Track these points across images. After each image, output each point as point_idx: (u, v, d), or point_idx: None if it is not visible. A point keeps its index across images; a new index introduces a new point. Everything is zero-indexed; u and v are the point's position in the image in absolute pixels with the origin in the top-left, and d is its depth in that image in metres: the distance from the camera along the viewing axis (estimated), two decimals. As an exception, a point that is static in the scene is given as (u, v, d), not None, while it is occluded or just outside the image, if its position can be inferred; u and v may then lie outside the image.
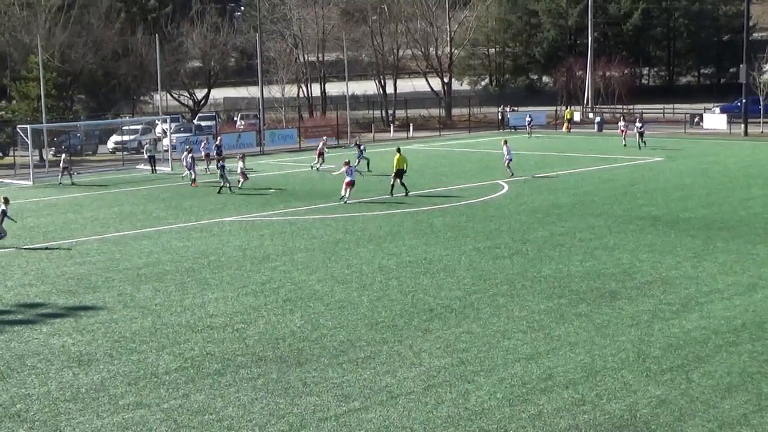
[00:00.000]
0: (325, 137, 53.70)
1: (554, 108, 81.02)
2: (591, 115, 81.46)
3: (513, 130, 73.33)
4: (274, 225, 31.12)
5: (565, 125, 72.09)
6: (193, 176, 42.95)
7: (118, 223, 32.90)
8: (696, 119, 73.69)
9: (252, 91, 79.91)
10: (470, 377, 15.16)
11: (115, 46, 76.50)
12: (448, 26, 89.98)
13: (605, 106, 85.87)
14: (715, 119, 72.37)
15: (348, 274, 23.06)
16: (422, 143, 62.88)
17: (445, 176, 43.36)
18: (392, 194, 36.45)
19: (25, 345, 17.74)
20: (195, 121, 74.47)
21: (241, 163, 40.88)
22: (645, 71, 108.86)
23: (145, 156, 51.62)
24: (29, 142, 48.43)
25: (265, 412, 13.94)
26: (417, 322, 18.47)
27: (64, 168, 46.15)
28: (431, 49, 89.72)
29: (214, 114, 77.65)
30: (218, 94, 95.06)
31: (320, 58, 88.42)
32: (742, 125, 65.63)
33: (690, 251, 24.55)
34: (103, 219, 33.91)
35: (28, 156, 48.94)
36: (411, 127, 74.66)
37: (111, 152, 64.95)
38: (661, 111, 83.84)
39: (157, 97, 77.45)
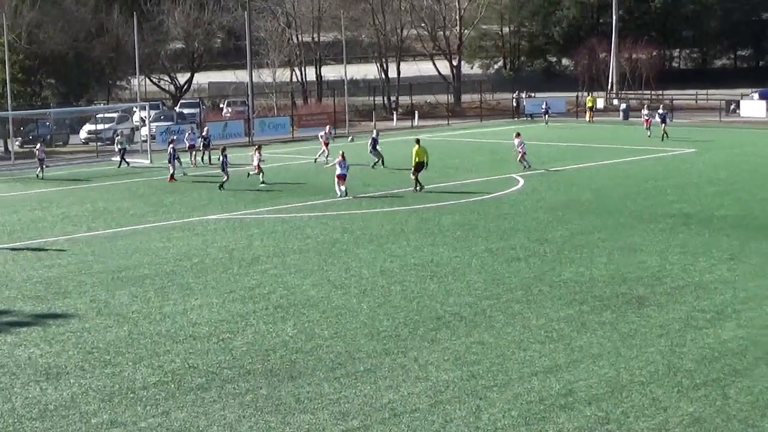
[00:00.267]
0: (329, 126, 53.51)
1: (575, 94, 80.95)
2: (615, 102, 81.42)
3: (529, 119, 73.29)
4: (265, 223, 31.09)
5: (587, 113, 72.05)
6: (171, 171, 42.88)
7: (91, 221, 32.87)
8: (732, 106, 73.60)
9: (240, 76, 79.95)
10: (482, 393, 15.12)
11: (89, 26, 76.44)
12: (457, 3, 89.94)
13: (631, 92, 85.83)
14: (753, 106, 72.28)
15: (346, 278, 23.03)
16: (428, 133, 62.84)
17: (454, 169, 43.35)
18: (417, 189, 36.36)
19: (-13, 357, 17.74)
20: (177, 109, 74.49)
21: (257, 155, 40.44)
22: (675, 53, 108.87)
23: (116, 148, 51.33)
24: (-7, 131, 48.48)
25: (253, 432, 13.93)
26: (423, 332, 18.44)
27: (41, 160, 46.11)
28: (438, 28, 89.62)
29: (197, 101, 77.65)
30: (202, 78, 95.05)
31: (315, 39, 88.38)
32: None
33: (726, 253, 24.50)
34: (75, 217, 33.88)
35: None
36: (416, 115, 74.59)
37: (84, 143, 64.94)
38: (694, 97, 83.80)
39: (134, 81, 77.34)
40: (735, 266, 23.06)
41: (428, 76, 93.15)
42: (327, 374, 16.18)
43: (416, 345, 17.64)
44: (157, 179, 43.85)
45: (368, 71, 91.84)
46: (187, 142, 49.54)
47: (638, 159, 45.90)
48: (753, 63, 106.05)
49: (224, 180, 38.84)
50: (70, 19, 74.34)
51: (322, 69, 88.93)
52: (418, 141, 38.27)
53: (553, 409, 14.36)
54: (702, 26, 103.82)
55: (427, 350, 17.31)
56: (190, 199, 37.02)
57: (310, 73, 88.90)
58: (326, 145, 47.64)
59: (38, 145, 47.79)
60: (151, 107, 62.45)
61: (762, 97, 74.47)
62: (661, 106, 58.12)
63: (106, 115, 66.66)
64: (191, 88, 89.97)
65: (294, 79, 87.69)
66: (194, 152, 49.16)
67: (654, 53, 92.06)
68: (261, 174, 39.92)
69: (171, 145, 43.76)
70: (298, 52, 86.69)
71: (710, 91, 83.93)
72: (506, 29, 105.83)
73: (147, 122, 57.60)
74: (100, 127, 63.31)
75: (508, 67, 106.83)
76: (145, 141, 54.95)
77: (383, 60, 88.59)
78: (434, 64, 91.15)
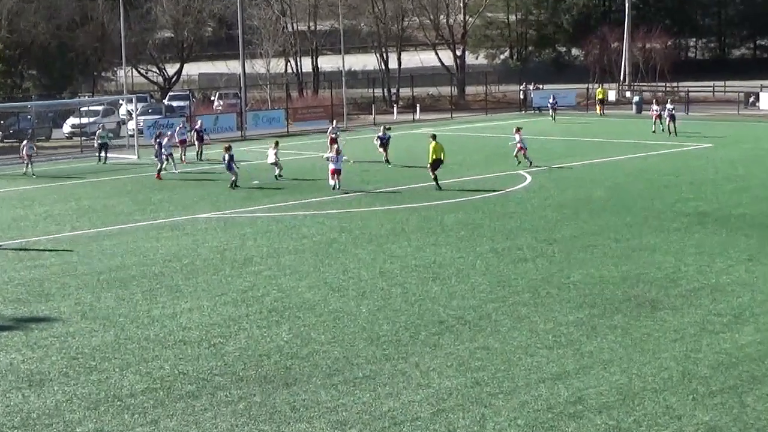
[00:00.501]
0: (335, 121, 53.22)
1: (585, 86, 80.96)
2: (628, 95, 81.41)
3: (537, 112, 73.36)
4: (258, 223, 31.13)
5: (597, 106, 72.08)
6: (159, 167, 42.88)
7: (75, 220, 32.91)
8: (751, 99, 73.62)
9: (232, 66, 79.98)
10: (487, 400, 15.16)
11: (72, 14, 76.46)
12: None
13: (645, 84, 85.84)
14: (773, 99, 72.33)
15: (344, 279, 23.06)
16: (431, 126, 62.79)
17: (458, 165, 43.34)
18: (439, 187, 36.32)
19: (-34, 363, 17.78)
20: (165, 101, 74.49)
21: (273, 151, 40.68)
22: (692, 43, 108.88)
23: (96, 143, 51.21)
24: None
25: (246, 442, 13.98)
26: (424, 336, 18.47)
27: (29, 156, 46.11)
28: (441, 16, 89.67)
29: (187, 93, 77.70)
30: (192, 69, 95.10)
31: (312, 28, 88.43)
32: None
33: (744, 253, 24.54)
34: (58, 215, 33.92)
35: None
36: (418, 108, 74.60)
37: (67, 137, 64.97)
38: (711, 89, 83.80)
39: (120, 73, 77.48)
40: (753, 267, 23.08)
41: (431, 66, 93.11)
42: (324, 381, 16.21)
43: (418, 350, 17.67)
44: (145, 176, 43.87)
45: (367, 62, 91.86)
46: (177, 137, 49.43)
47: (651, 155, 45.92)
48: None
49: (233, 179, 38.59)
50: (52, 6, 74.30)
51: (318, 59, 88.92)
52: (434, 137, 38.07)
53: (561, 418, 14.39)
54: (720, 14, 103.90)
55: (429, 356, 17.34)
56: (180, 197, 37.05)
57: (306, 64, 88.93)
58: (333, 141, 47.03)
59: (25, 141, 47.82)
60: (139, 100, 62.54)
61: (783, 89, 74.55)
62: (669, 101, 57.96)
63: (91, 108, 66.53)
64: (180, 79, 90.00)
65: (289, 70, 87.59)
66: (185, 147, 49.13)
67: (669, 42, 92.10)
68: (278, 170, 40.30)
69: (158, 140, 43.80)
70: (293, 42, 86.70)
71: (728, 83, 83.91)
72: (513, 17, 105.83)
73: (134, 116, 57.63)
74: (84, 120, 63.26)
75: (514, 57, 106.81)
76: (132, 135, 54.95)
77: (383, 50, 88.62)
78: (437, 54, 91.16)
